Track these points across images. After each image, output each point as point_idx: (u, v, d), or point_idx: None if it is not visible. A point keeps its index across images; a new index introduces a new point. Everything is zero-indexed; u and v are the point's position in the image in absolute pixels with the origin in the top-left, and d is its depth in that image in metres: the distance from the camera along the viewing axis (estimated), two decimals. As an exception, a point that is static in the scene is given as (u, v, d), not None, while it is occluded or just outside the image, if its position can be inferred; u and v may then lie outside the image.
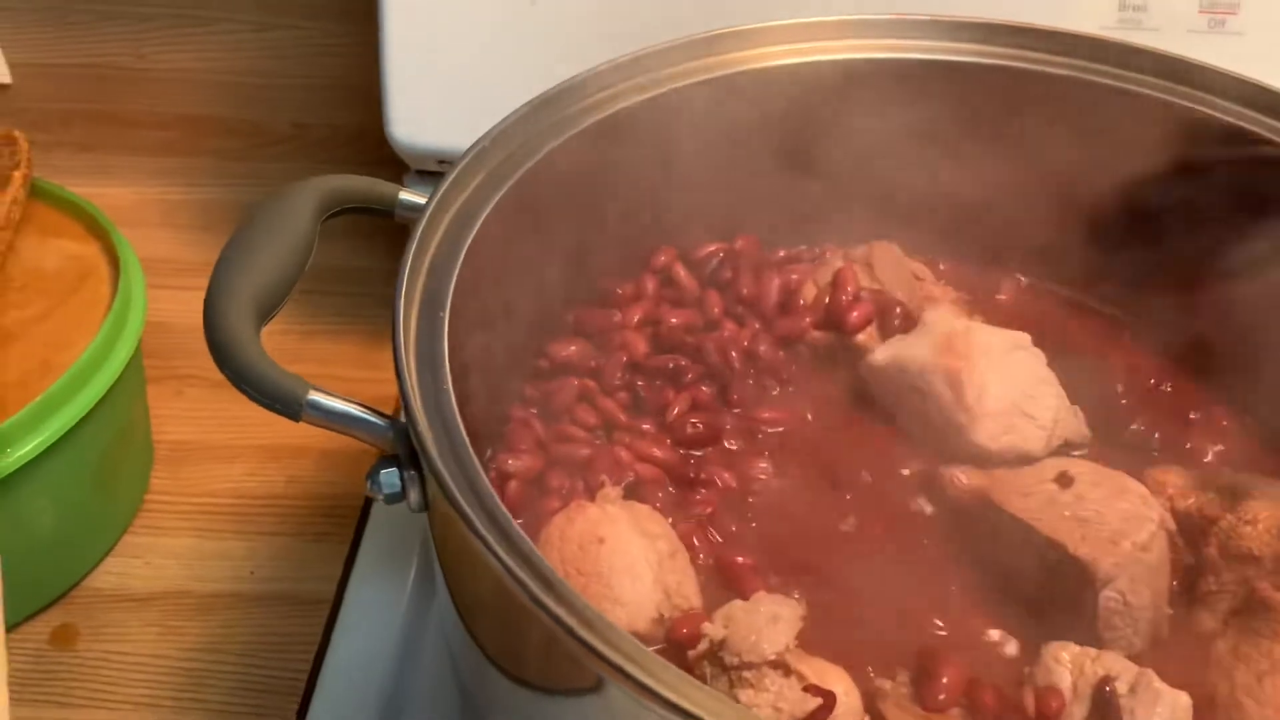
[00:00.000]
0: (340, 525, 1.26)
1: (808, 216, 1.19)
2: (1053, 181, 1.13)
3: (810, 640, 0.83)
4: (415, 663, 1.10)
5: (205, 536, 1.26)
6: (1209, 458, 0.99)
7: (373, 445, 0.73)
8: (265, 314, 0.75)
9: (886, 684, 0.80)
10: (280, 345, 1.40)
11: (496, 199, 0.89)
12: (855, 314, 1.06)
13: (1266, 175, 1.01)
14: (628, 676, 0.56)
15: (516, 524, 0.63)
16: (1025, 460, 0.93)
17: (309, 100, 1.70)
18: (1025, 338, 0.99)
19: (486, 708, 0.82)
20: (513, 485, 0.92)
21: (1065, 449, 0.97)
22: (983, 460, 0.94)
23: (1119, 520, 0.84)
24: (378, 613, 1.15)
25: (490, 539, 0.60)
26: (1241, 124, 1.02)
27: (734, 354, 1.04)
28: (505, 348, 1.00)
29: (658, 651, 0.80)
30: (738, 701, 0.67)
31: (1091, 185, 1.11)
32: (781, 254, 1.20)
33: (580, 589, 0.81)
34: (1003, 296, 1.16)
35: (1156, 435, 1.00)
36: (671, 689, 0.56)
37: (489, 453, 0.98)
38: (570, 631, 0.57)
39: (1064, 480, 0.87)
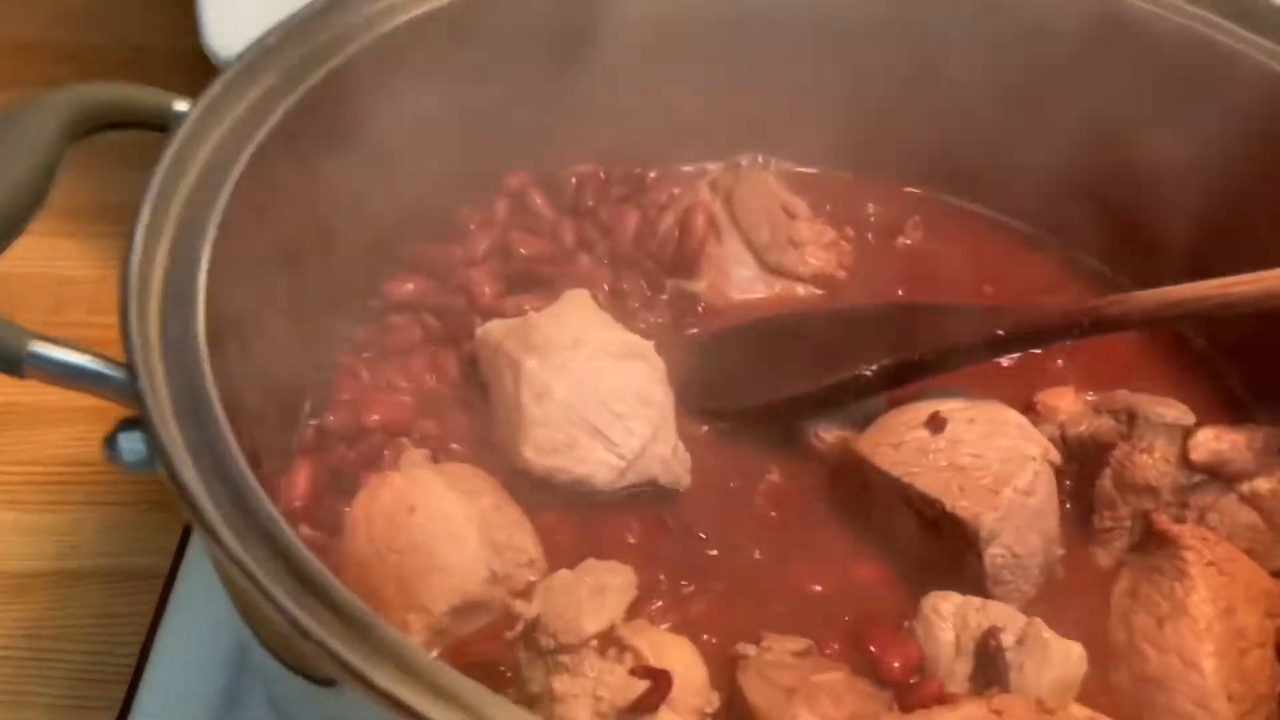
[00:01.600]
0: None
1: (685, 130, 1.08)
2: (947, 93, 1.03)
3: (671, 612, 0.76)
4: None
5: (24, 509, 1.13)
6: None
7: (115, 402, 0.61)
8: (-18, 251, 0.62)
9: (751, 650, 0.71)
10: (30, 294, 1.28)
11: (292, 103, 0.75)
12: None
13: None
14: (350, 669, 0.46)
15: (265, 499, 0.51)
16: (583, 486, 0.78)
17: (148, 21, 1.53)
18: (647, 346, 0.84)
19: (277, 695, 0.72)
20: (331, 451, 0.81)
21: (647, 489, 0.80)
22: (528, 478, 0.78)
23: (999, 462, 0.75)
24: (217, 588, 1.03)
25: (217, 524, 0.49)
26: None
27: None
28: (326, 286, 0.88)
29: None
30: (553, 691, 0.57)
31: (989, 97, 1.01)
32: (652, 173, 1.08)
33: (395, 569, 0.72)
34: (907, 240, 1.05)
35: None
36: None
37: (308, 406, 0.87)
38: (295, 624, 0.46)
39: (936, 423, 0.77)
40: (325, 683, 0.52)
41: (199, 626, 0.99)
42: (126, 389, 0.57)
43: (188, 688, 0.96)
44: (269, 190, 0.73)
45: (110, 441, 0.59)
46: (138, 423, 0.59)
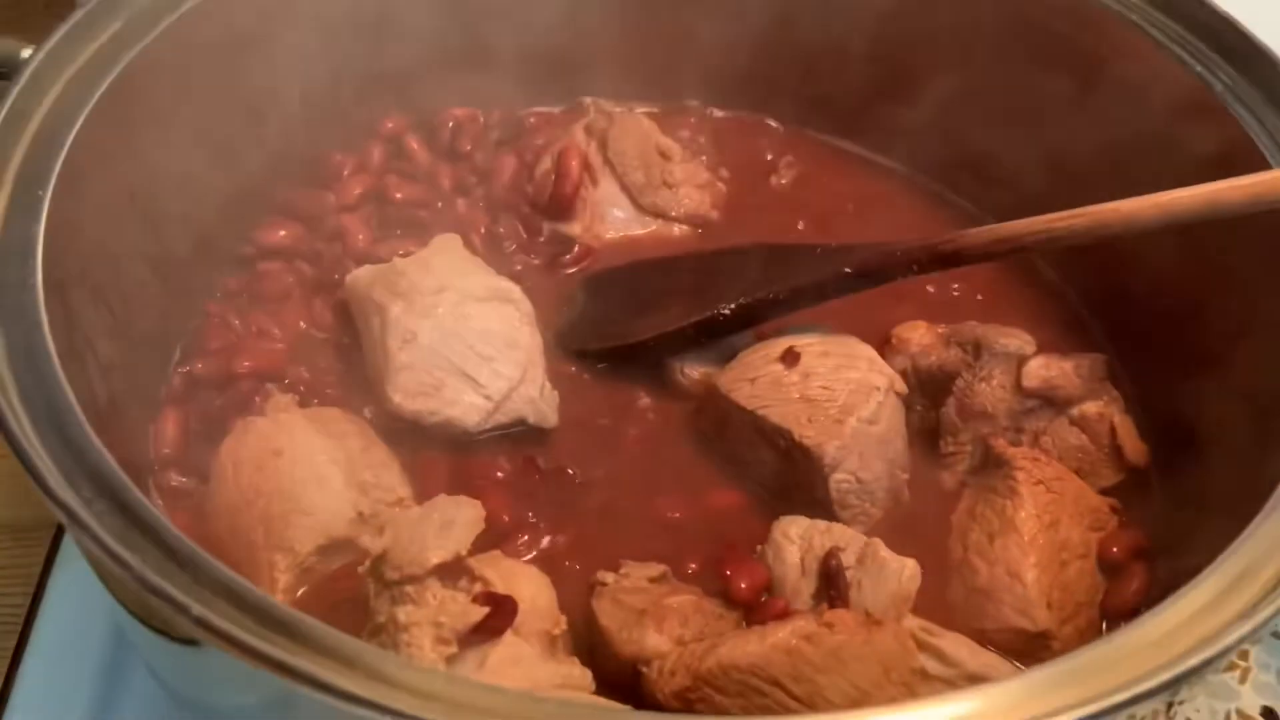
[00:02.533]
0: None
1: (563, 70, 1.09)
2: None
3: (538, 545, 0.79)
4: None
5: (-94, 465, 1.11)
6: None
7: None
8: None
9: (609, 577, 0.74)
10: None
11: (140, 49, 0.74)
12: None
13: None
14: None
15: (100, 448, 0.52)
16: (453, 427, 0.80)
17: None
18: (514, 290, 0.85)
19: (146, 656, 0.73)
20: (199, 397, 0.81)
21: (516, 429, 0.83)
22: (398, 420, 0.79)
23: (846, 394, 0.78)
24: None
25: (44, 471, 0.50)
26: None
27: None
28: (191, 234, 0.88)
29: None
30: (397, 620, 0.60)
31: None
32: (531, 117, 1.09)
33: (263, 512, 0.73)
34: (782, 180, 1.07)
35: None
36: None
37: (177, 354, 0.87)
38: (154, 587, 0.47)
39: (790, 358, 0.81)
40: (181, 640, 0.54)
41: (88, 577, 0.99)
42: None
43: (76, 638, 0.96)
44: (118, 139, 0.73)
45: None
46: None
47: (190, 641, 0.51)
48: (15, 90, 0.66)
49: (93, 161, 0.70)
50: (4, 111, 0.65)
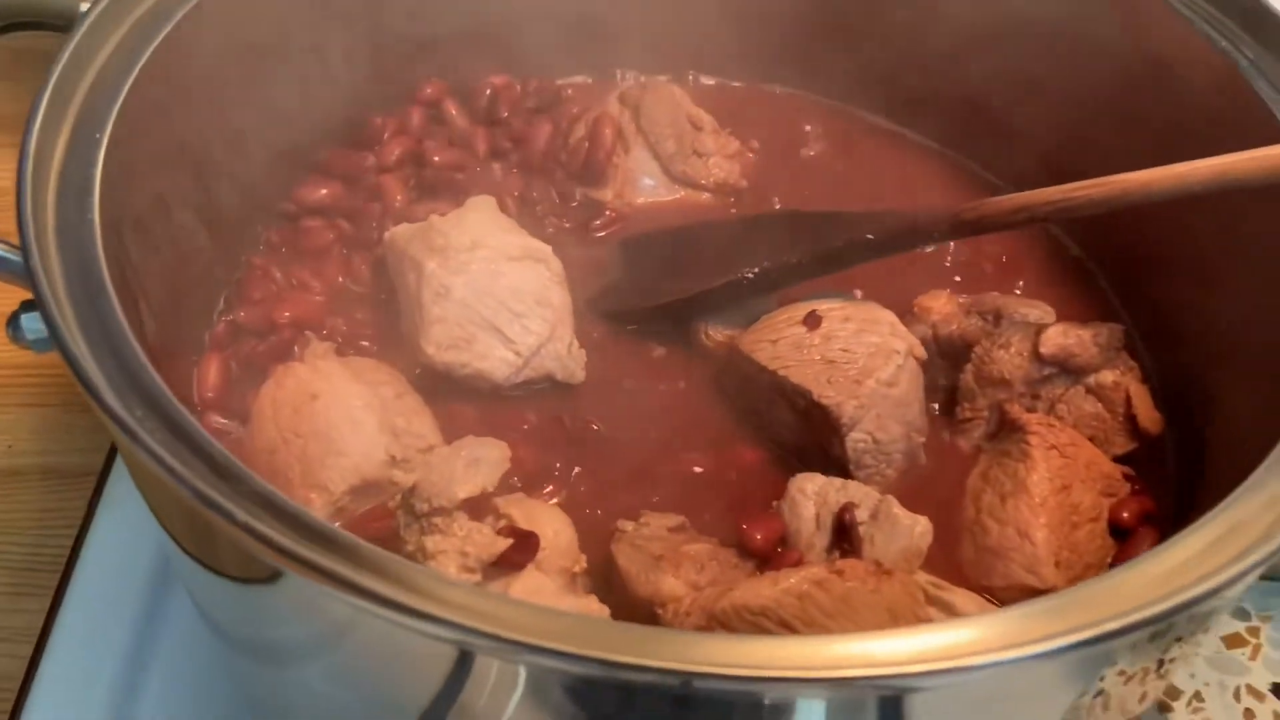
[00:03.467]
0: (109, 394, 1.17)
1: (596, 40, 1.11)
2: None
3: (560, 494, 0.81)
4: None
5: (-41, 409, 1.16)
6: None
7: (20, 287, 0.64)
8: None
9: (629, 525, 0.77)
10: None
11: (192, 5, 0.77)
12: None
13: None
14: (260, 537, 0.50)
15: (152, 372, 0.55)
16: (483, 380, 0.83)
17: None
18: (546, 250, 0.87)
19: (194, 592, 0.76)
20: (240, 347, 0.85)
21: (544, 385, 0.86)
22: (432, 372, 0.82)
23: (866, 356, 0.80)
24: (146, 483, 1.08)
25: (100, 386, 0.53)
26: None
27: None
28: (238, 188, 0.91)
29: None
30: (425, 549, 0.63)
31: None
32: (567, 88, 1.11)
33: (300, 452, 0.76)
34: (811, 151, 1.09)
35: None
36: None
37: (221, 302, 0.90)
38: (200, 493, 0.50)
39: (812, 320, 0.83)
40: (240, 579, 0.57)
41: (129, 522, 1.04)
42: (22, 270, 0.61)
43: (118, 578, 1.00)
44: (170, 91, 0.76)
45: (13, 321, 0.63)
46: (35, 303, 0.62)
47: (255, 571, 0.53)
48: (77, 37, 0.69)
49: (147, 111, 0.73)
50: (66, 56, 0.68)
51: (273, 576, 0.55)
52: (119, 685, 0.93)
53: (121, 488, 1.07)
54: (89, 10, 0.73)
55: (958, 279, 0.97)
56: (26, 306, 0.62)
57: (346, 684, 0.65)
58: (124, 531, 1.03)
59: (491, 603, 0.49)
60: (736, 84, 1.14)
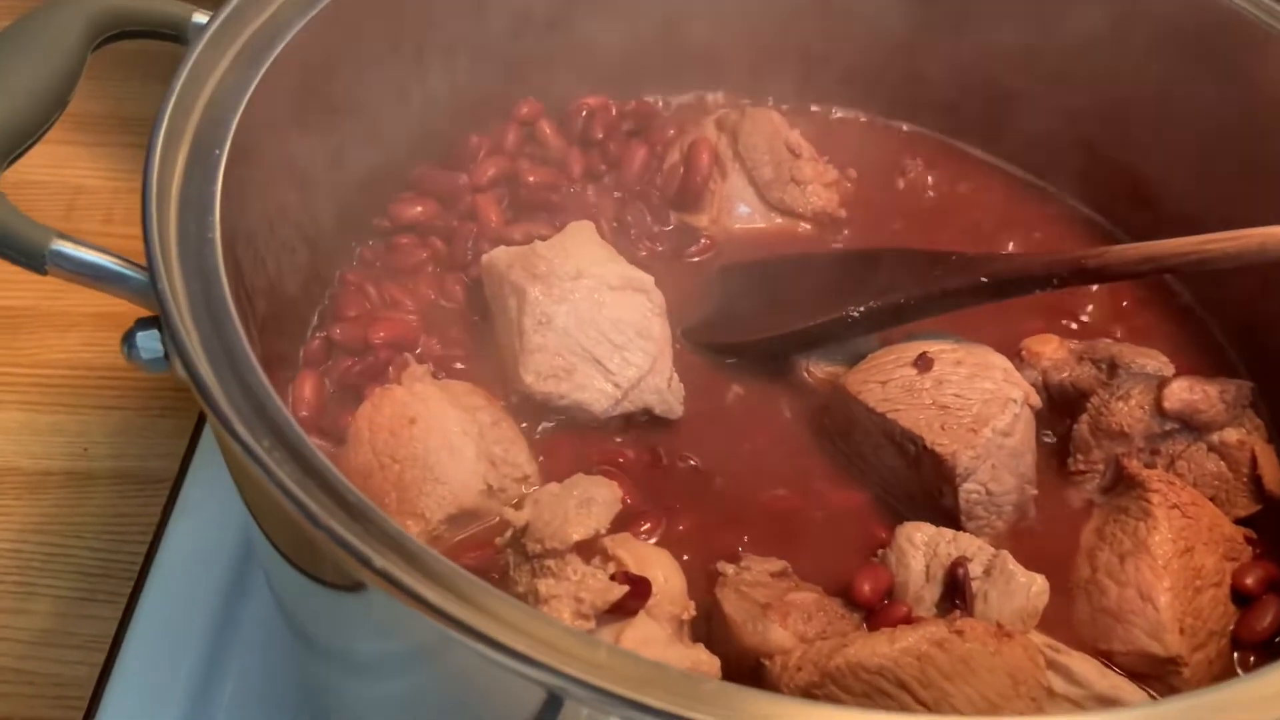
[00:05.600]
0: (186, 400, 1.16)
1: (693, 65, 1.09)
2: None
3: (657, 532, 0.79)
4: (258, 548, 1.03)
5: (37, 410, 1.16)
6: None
7: (133, 303, 0.63)
8: (7, 153, 0.64)
9: (730, 568, 0.75)
10: (41, 201, 1.27)
11: (310, 18, 0.77)
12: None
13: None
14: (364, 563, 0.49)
15: (275, 397, 0.54)
16: (580, 411, 0.81)
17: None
18: (648, 281, 0.85)
19: (286, 603, 0.75)
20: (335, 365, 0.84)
21: (642, 418, 0.84)
22: (529, 400, 0.81)
23: (981, 403, 0.77)
24: (222, 493, 1.07)
25: (231, 416, 0.52)
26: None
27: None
28: (335, 204, 0.90)
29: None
30: (537, 592, 0.61)
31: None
32: (662, 109, 1.10)
33: (396, 478, 0.75)
34: (907, 181, 1.06)
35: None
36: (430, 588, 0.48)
37: (315, 319, 0.89)
38: (315, 520, 0.49)
39: (923, 363, 0.80)
40: (336, 586, 0.56)
41: (205, 529, 1.03)
42: (146, 289, 0.60)
43: (191, 586, 1.00)
44: (281, 109, 0.75)
45: (129, 339, 0.62)
46: (155, 322, 0.61)
47: (354, 587, 0.52)
48: (197, 50, 0.68)
49: (262, 127, 0.72)
50: (186, 71, 0.67)
51: (361, 587, 0.54)
52: (192, 695, 0.93)
53: (197, 494, 1.06)
54: (208, 23, 0.72)
55: (1061, 321, 0.95)
56: (143, 324, 0.61)
57: (425, 707, 0.63)
58: (199, 539, 1.03)
59: (585, 646, 0.48)
60: (835, 110, 1.11)
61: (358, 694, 0.75)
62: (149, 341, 0.61)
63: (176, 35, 0.76)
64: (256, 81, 0.71)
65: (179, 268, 0.59)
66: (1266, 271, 0.86)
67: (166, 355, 0.62)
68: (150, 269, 0.57)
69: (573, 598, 0.60)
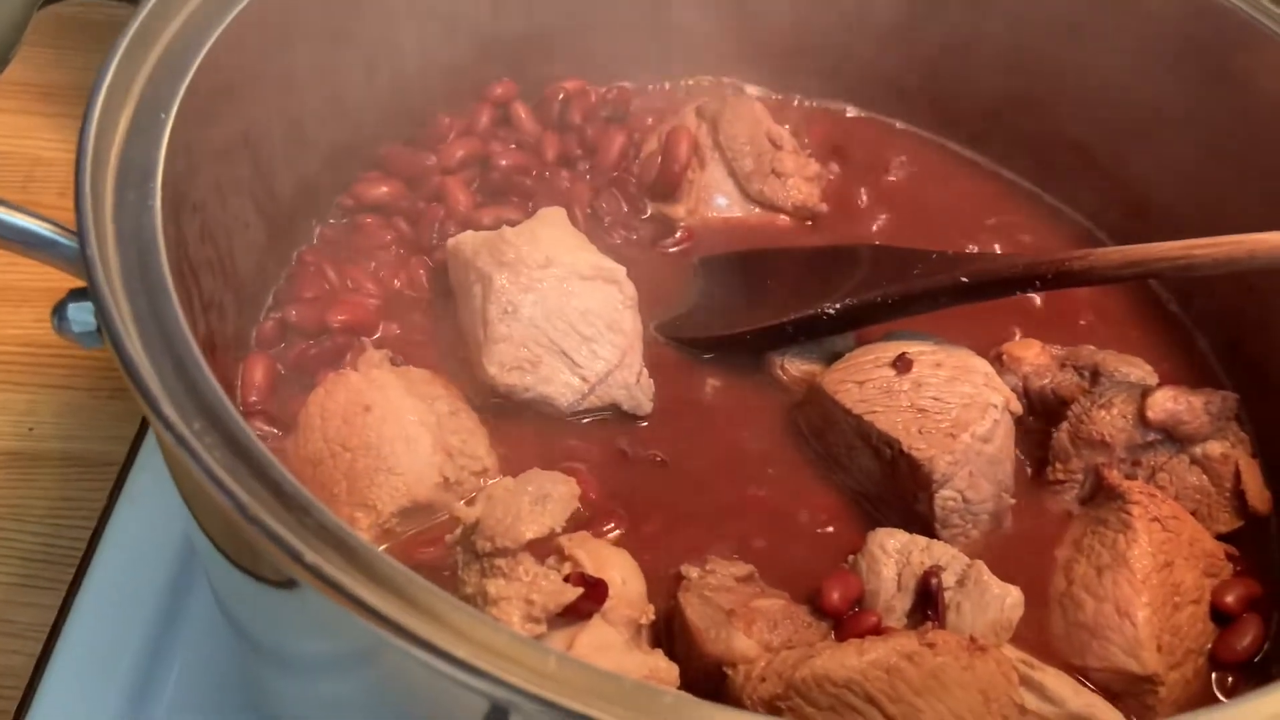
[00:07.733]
0: (139, 381, 1.12)
1: (676, 50, 1.06)
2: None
3: (622, 531, 0.76)
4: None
5: (-18, 386, 1.11)
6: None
7: (65, 273, 0.59)
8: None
9: (694, 571, 0.71)
10: (6, 171, 1.23)
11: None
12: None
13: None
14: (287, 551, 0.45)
15: (211, 378, 0.50)
16: (545, 405, 0.78)
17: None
18: (619, 272, 0.82)
19: (219, 590, 0.71)
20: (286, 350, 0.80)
21: (610, 413, 0.81)
22: (491, 392, 0.78)
23: (960, 407, 0.75)
24: (171, 481, 1.03)
25: (158, 395, 0.48)
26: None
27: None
28: (295, 179, 0.86)
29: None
30: (486, 594, 0.57)
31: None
32: (641, 95, 1.06)
33: (347, 466, 0.71)
34: (892, 177, 1.03)
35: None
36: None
37: (270, 299, 0.85)
38: (243, 510, 0.45)
39: (902, 364, 0.77)
40: (269, 581, 0.52)
41: (151, 517, 0.99)
42: (76, 257, 0.56)
43: (135, 575, 0.96)
44: (237, 74, 0.71)
45: (59, 310, 0.58)
46: (86, 293, 0.57)
47: (287, 584, 0.49)
48: (144, 12, 0.65)
49: (213, 93, 0.68)
50: (132, 31, 0.63)
51: (294, 583, 0.50)
52: (133, 689, 0.89)
53: (144, 480, 1.02)
54: (160, -21, 0.68)
55: (1042, 325, 0.92)
56: (76, 295, 0.57)
57: (365, 712, 0.60)
58: (144, 526, 0.98)
59: (533, 654, 0.44)
60: (819, 102, 1.08)
61: (299, 694, 0.71)
62: (81, 314, 0.58)
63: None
64: (210, 44, 0.68)
65: (113, 235, 0.55)
66: (1255, 280, 0.84)
67: (100, 329, 0.58)
68: (80, 234, 0.53)
69: (523, 600, 0.57)
